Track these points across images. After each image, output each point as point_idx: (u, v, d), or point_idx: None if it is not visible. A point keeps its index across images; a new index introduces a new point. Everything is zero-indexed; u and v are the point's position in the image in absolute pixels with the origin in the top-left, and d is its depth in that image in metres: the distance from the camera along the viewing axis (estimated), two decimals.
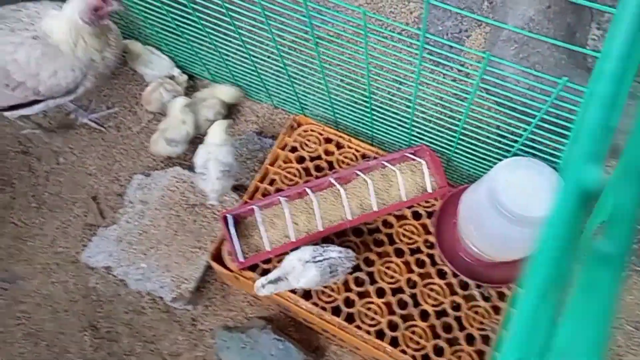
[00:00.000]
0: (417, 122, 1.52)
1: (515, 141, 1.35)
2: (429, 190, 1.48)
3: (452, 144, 1.47)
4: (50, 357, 1.60)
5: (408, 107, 1.50)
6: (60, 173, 1.86)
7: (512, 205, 1.11)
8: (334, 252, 1.33)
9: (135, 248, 1.57)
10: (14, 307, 1.67)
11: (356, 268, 1.45)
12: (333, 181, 1.48)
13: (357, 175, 1.49)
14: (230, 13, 1.34)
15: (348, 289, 1.43)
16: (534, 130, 1.26)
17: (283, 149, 1.62)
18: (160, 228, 1.60)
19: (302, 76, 1.57)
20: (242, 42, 1.47)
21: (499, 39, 2.02)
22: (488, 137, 1.50)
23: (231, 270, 1.46)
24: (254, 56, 1.56)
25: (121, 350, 1.60)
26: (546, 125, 1.18)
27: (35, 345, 1.62)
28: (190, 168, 1.75)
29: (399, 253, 1.47)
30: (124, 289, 1.66)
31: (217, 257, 1.49)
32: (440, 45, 1.81)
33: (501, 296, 1.41)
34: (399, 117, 1.56)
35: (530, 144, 1.31)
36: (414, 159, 1.51)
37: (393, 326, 1.39)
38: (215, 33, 1.52)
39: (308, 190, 1.46)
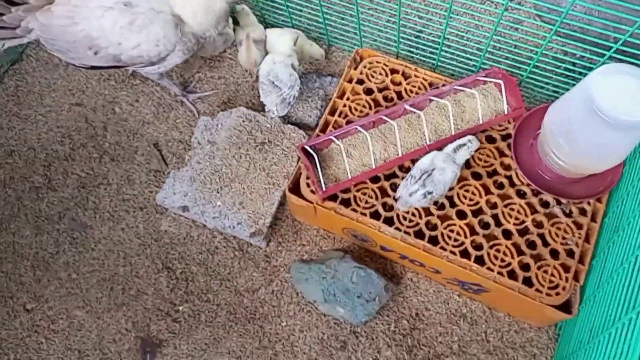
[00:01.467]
0: (488, 47, 1.51)
1: (602, 55, 1.35)
2: (505, 112, 1.48)
3: (527, 65, 1.46)
4: (128, 299, 1.61)
5: (473, 34, 1.50)
6: (118, 122, 1.85)
7: (612, 110, 1.11)
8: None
9: (209, 187, 1.57)
10: (86, 254, 1.68)
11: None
12: (408, 107, 1.47)
13: (431, 100, 1.49)
14: None
15: (429, 213, 1.44)
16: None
17: (350, 82, 1.61)
18: (232, 167, 1.60)
19: (372, 8, 1.55)
20: None
21: None
22: (559, 61, 1.49)
23: (310, 202, 1.47)
24: None
25: (198, 288, 1.62)
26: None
27: (110, 289, 1.63)
28: (254, 108, 1.74)
29: (477, 176, 1.47)
30: (195, 230, 1.67)
31: (293, 190, 1.50)
32: None
33: (582, 212, 1.42)
34: (465, 46, 1.55)
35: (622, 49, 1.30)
36: (488, 81, 1.50)
37: (476, 246, 1.40)
38: None
39: (385, 118, 1.46)
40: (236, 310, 1.58)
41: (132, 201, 1.73)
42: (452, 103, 1.49)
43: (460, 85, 1.50)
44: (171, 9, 1.43)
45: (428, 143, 1.45)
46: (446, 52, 1.62)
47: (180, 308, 1.60)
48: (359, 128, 1.45)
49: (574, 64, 1.54)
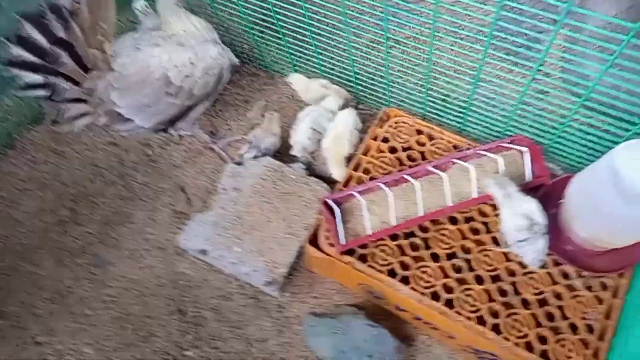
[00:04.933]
0: (514, 115, 1.54)
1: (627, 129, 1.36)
2: (527, 179, 1.48)
3: (552, 134, 1.48)
4: (137, 340, 1.61)
5: (500, 101, 1.54)
6: (148, 164, 1.91)
7: (636, 185, 1.11)
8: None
9: (230, 233, 1.59)
10: (102, 291, 1.69)
11: (453, 255, 1.45)
12: (431, 168, 1.49)
13: (454, 163, 1.50)
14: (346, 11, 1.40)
15: (446, 275, 1.42)
16: None
17: (375, 139, 1.65)
18: (254, 214, 1.62)
19: (401, 70, 1.61)
20: (346, 36, 1.53)
21: (578, 40, 2.04)
22: (584, 132, 1.51)
23: (328, 255, 1.47)
24: (354, 47, 1.61)
25: (208, 334, 1.60)
26: None
27: (122, 328, 1.63)
28: (280, 158, 1.78)
29: (496, 241, 1.46)
30: (212, 275, 1.67)
31: (313, 242, 1.51)
32: (518, 45, 1.84)
33: (604, 286, 1.39)
34: (492, 111, 1.58)
35: None
36: (512, 148, 1.51)
37: (494, 314, 1.37)
38: (319, 28, 1.59)
39: (408, 177, 1.48)
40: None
41: (154, 241, 1.76)
42: (475, 167, 1.50)
43: (484, 150, 1.51)
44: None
45: (449, 205, 1.45)
46: (472, 116, 1.65)
47: (188, 353, 1.58)
48: (381, 185, 1.47)
49: (599, 137, 1.55)
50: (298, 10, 1.55)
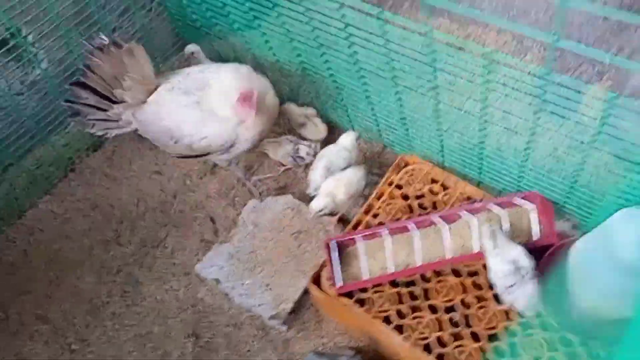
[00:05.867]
0: (529, 169, 1.51)
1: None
2: (534, 238, 1.44)
3: (565, 192, 1.44)
4: (154, 358, 1.73)
5: (520, 155, 1.51)
6: (186, 193, 2.06)
7: (629, 255, 1.06)
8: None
9: (243, 265, 1.68)
10: (132, 308, 1.84)
11: (451, 308, 1.44)
12: (435, 219, 1.50)
13: (461, 215, 1.50)
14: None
15: (441, 328, 1.41)
16: None
17: (390, 185, 1.68)
18: (268, 249, 1.70)
19: (417, 119, 1.64)
20: (366, 86, 1.59)
21: (624, 92, 1.96)
22: (604, 190, 1.45)
23: (328, 295, 1.52)
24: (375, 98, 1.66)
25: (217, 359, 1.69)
26: None
27: (143, 346, 1.76)
28: (301, 198, 1.86)
29: (497, 299, 1.43)
30: (227, 303, 1.77)
31: (316, 281, 1.56)
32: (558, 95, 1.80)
33: None
34: (509, 164, 1.56)
35: None
36: (521, 205, 1.48)
37: None
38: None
39: (410, 226, 1.49)
40: None
41: (181, 266, 1.89)
42: (484, 220, 1.48)
43: (496, 204, 1.49)
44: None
45: (449, 257, 1.45)
46: (488, 169, 1.63)
47: None
48: (383, 232, 1.50)
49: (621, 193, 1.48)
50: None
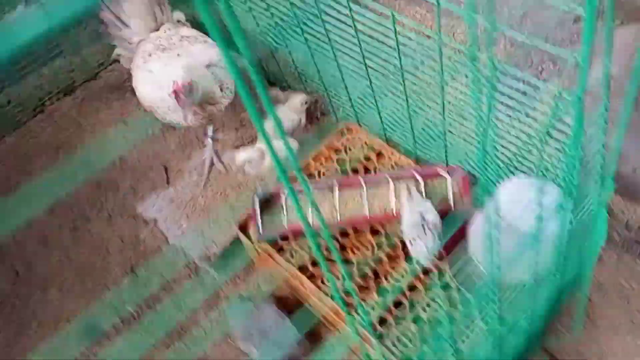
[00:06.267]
0: (453, 144, 1.59)
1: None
2: (451, 206, 1.53)
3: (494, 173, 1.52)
4: (93, 290, 1.83)
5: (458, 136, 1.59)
6: (146, 143, 2.15)
7: (510, 218, 1.14)
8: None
9: (181, 210, 1.78)
10: (78, 243, 1.94)
11: (365, 263, 1.52)
12: (360, 181, 1.58)
13: (385, 179, 1.58)
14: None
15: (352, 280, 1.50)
16: None
17: (328, 149, 1.76)
18: (207, 199, 1.79)
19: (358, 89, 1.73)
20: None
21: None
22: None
23: (252, 242, 1.61)
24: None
25: (150, 295, 1.79)
26: None
27: (84, 278, 1.87)
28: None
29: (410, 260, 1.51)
30: (166, 246, 1.87)
31: (244, 228, 1.65)
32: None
33: None
34: (442, 143, 1.64)
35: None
36: (443, 176, 1.56)
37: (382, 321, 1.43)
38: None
39: (335, 186, 1.58)
40: (174, 324, 1.72)
41: (129, 209, 1.99)
42: (405, 187, 1.56)
43: (419, 173, 1.57)
44: None
45: (367, 215, 1.53)
46: (425, 144, 1.71)
47: (129, 308, 1.77)
48: (310, 187, 1.58)
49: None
50: None
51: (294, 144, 1.80)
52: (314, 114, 2.07)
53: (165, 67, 1.68)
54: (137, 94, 1.80)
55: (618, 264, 1.67)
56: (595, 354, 1.53)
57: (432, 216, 1.38)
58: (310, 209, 1.49)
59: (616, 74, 2.09)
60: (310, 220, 1.51)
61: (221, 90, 1.71)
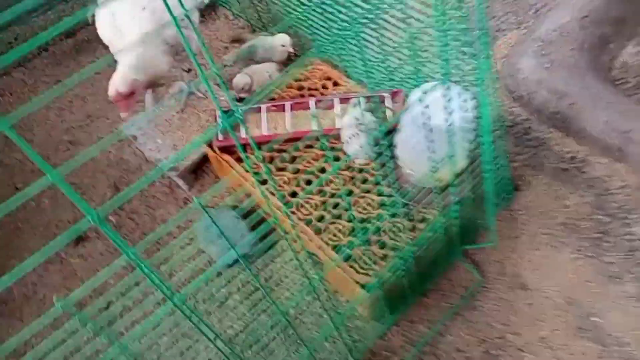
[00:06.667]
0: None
1: None
2: (389, 123, 1.70)
3: None
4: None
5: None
6: None
7: (421, 117, 1.31)
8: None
9: (158, 129, 1.99)
10: (70, 162, 2.16)
11: (310, 173, 1.71)
12: (311, 103, 1.77)
13: (333, 101, 1.77)
14: None
15: (297, 185, 1.68)
16: None
17: (291, 78, 1.95)
18: (182, 120, 2.00)
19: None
20: None
21: (529, 37, 2.18)
22: None
23: (215, 153, 1.81)
24: None
25: (129, 208, 2.01)
26: None
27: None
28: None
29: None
30: (145, 165, 2.08)
31: (210, 145, 1.85)
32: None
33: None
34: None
35: None
36: (383, 96, 1.75)
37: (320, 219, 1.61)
38: None
39: (287, 106, 1.78)
40: (146, 233, 1.93)
41: (116, 128, 2.21)
42: (343, 105, 1.75)
43: (365, 96, 1.75)
44: None
45: (313, 129, 1.72)
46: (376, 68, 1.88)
47: (111, 218, 1.99)
48: (264, 107, 1.78)
49: None
50: None
51: (273, 67, 2.02)
52: (292, 53, 2.26)
53: (127, 15, 1.75)
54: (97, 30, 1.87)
55: (547, 189, 1.82)
56: (512, 263, 1.68)
57: (367, 119, 1.56)
58: (264, 124, 1.71)
59: (569, 24, 2.23)
60: (265, 131, 1.71)
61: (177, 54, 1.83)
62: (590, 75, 2.00)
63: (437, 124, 1.30)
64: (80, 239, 1.95)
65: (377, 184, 1.65)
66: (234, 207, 1.87)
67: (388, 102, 1.71)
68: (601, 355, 1.49)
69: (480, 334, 1.56)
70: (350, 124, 1.56)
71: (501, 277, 1.66)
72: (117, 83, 1.68)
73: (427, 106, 1.33)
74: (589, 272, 1.63)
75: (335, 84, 1.91)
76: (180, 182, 1.97)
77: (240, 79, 1.98)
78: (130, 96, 1.71)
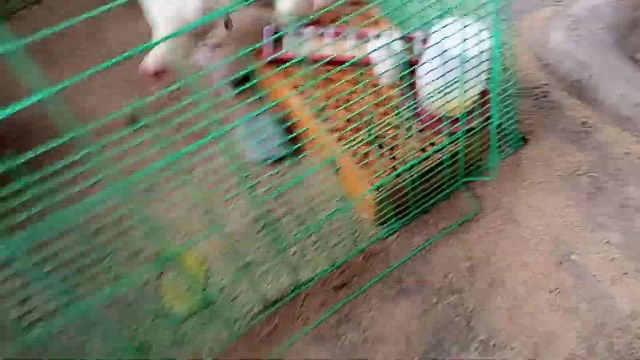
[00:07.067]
0: None
1: None
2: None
3: None
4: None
5: None
6: None
7: (439, 48, 1.50)
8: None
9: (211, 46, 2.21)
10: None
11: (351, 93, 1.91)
12: (349, 35, 1.98)
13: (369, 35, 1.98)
14: None
15: (336, 106, 1.89)
16: None
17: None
18: (234, 41, 2.22)
19: None
20: None
21: (564, 13, 2.33)
22: None
23: (261, 66, 2.02)
24: None
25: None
26: None
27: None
28: None
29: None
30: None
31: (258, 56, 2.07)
32: None
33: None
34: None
35: None
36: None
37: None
38: None
39: (330, 31, 1.99)
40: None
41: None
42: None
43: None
44: None
45: (352, 55, 1.92)
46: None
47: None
48: (311, 30, 2.00)
49: None
50: None
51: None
52: None
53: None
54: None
55: (554, 146, 1.99)
56: (509, 202, 1.87)
57: (397, 46, 1.75)
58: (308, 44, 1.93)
59: (603, 5, 2.36)
60: (308, 52, 1.92)
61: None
62: (614, 53, 2.14)
63: (452, 53, 1.49)
64: None
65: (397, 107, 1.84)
66: (272, 114, 2.09)
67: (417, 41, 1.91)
68: (575, 285, 1.67)
69: (469, 252, 1.76)
70: (382, 49, 1.75)
71: (496, 211, 1.85)
72: (149, 65, 1.87)
73: (444, 38, 1.52)
74: (578, 218, 1.81)
75: (377, 23, 2.11)
76: (229, 88, 2.19)
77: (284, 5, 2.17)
78: (160, 73, 1.90)
